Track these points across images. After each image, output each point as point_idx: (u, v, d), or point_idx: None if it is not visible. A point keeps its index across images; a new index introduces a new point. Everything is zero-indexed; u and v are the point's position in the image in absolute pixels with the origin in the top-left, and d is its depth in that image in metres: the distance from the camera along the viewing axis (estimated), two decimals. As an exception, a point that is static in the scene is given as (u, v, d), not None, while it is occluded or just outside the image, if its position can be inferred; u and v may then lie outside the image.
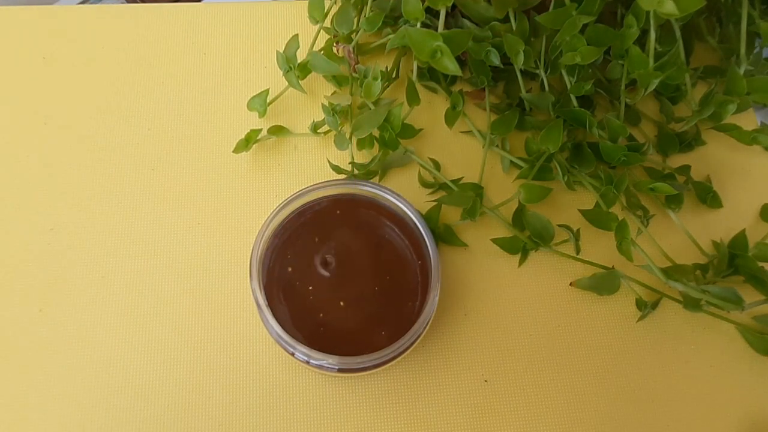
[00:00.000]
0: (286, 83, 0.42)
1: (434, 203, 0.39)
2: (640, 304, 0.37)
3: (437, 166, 0.40)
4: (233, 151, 0.39)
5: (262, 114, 0.41)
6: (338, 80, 0.42)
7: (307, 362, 0.31)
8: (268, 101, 0.41)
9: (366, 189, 0.35)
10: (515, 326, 0.37)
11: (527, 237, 0.38)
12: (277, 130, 0.40)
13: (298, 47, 0.40)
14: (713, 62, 0.45)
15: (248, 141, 0.39)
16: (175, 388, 0.34)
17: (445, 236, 0.38)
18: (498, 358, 0.36)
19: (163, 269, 0.37)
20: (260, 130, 0.39)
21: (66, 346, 0.35)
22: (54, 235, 0.38)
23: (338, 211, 0.35)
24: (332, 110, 0.39)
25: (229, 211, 0.39)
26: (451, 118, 0.42)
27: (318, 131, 0.40)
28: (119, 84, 0.43)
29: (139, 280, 0.37)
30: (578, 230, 0.38)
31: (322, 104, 0.39)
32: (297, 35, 0.40)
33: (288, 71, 0.40)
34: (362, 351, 0.31)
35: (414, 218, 0.34)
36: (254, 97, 0.41)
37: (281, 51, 0.40)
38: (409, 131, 0.40)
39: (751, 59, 0.41)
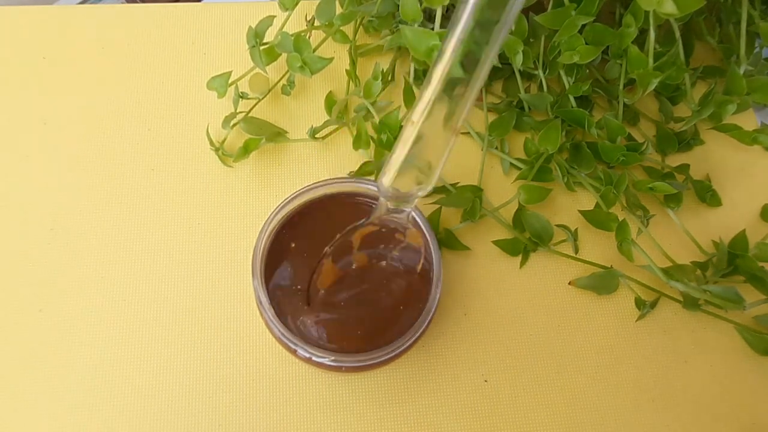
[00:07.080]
0: (285, 82, 0.42)
1: (434, 208, 0.38)
2: (639, 304, 0.37)
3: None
4: (233, 161, 0.39)
5: (222, 94, 0.40)
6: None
7: (309, 360, 0.31)
8: (229, 82, 0.40)
9: (368, 187, 0.35)
10: (515, 326, 0.37)
11: (527, 239, 0.38)
12: (276, 136, 0.40)
13: (270, 25, 0.40)
14: (713, 62, 0.45)
15: (247, 149, 0.39)
16: (175, 388, 0.35)
17: (447, 241, 0.38)
18: (498, 358, 0.36)
19: (164, 269, 0.37)
20: (260, 138, 0.39)
21: (66, 346, 0.35)
22: (54, 235, 0.38)
23: (340, 209, 0.35)
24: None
25: (229, 210, 0.39)
26: None
27: (316, 136, 0.40)
28: (119, 84, 0.43)
29: (139, 279, 0.37)
30: (576, 230, 0.39)
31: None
32: (273, 17, 0.40)
33: (253, 47, 0.39)
34: (363, 349, 0.31)
35: (416, 217, 0.34)
36: (215, 77, 0.40)
37: (253, 26, 0.39)
38: None
39: (751, 59, 0.41)
